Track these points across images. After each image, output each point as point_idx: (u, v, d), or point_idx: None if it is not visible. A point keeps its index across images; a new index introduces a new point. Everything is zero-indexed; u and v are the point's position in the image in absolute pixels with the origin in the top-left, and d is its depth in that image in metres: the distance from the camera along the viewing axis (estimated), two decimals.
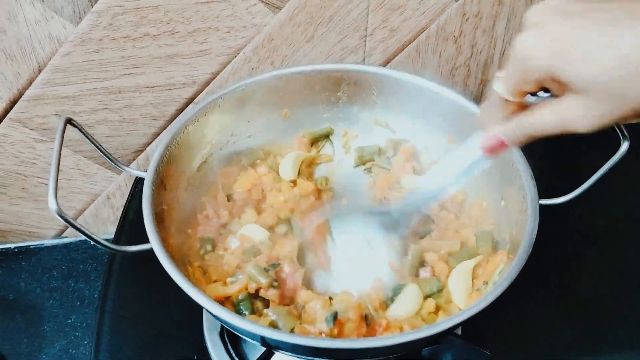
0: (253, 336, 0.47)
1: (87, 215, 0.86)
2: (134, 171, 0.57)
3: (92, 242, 0.47)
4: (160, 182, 0.56)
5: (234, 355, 0.62)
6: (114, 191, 0.84)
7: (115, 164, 0.57)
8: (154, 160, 0.55)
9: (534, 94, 0.40)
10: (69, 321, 0.78)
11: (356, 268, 0.58)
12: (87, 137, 0.53)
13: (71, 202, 0.84)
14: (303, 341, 0.44)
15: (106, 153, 0.56)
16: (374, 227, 0.58)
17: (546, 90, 0.40)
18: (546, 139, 0.40)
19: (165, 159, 0.57)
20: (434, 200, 0.55)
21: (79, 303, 0.80)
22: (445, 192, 0.54)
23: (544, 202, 0.54)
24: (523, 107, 0.42)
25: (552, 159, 0.80)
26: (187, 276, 0.49)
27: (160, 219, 0.55)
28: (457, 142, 0.63)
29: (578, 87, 0.36)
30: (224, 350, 0.62)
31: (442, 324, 0.44)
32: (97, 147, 0.55)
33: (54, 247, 0.86)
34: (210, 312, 0.47)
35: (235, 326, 0.46)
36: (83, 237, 0.89)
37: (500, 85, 0.41)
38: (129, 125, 0.77)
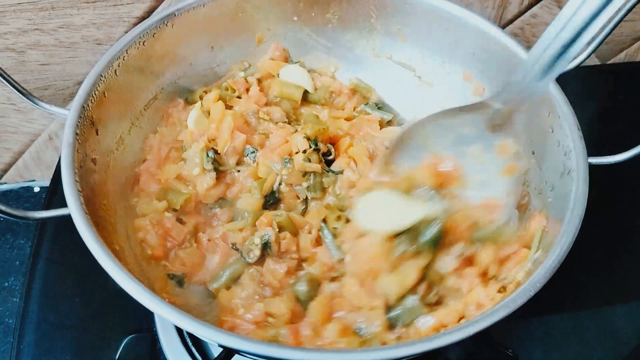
0: (210, 341, 0.36)
1: (27, 158, 0.74)
2: (54, 109, 0.44)
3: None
4: (90, 125, 0.44)
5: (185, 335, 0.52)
6: (56, 130, 0.72)
7: (29, 99, 0.43)
8: (79, 95, 0.43)
9: None
10: (6, 284, 0.69)
11: None
12: None
13: (6, 142, 0.72)
14: (269, 351, 0.34)
15: (15, 84, 0.42)
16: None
17: None
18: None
19: (97, 93, 0.44)
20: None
21: (18, 263, 0.70)
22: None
23: (593, 160, 0.43)
24: None
25: (602, 106, 0.68)
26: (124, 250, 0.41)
27: (89, 171, 0.44)
28: (474, 80, 0.54)
29: None
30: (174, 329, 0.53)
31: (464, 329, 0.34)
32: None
33: None
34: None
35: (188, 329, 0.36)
36: (25, 184, 0.78)
37: None
38: (68, 51, 0.65)
